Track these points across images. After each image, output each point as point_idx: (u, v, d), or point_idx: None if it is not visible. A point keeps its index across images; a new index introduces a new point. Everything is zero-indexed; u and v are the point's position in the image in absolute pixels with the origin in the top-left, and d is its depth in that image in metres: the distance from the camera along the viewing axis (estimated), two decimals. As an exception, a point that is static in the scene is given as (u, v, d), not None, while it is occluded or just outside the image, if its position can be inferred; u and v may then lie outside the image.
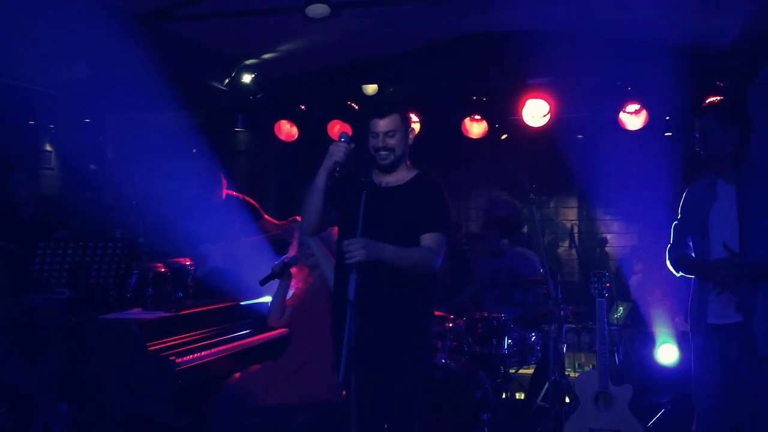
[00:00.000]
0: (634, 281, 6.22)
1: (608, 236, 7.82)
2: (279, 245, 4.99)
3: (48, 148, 6.86)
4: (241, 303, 4.75)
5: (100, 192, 6.97)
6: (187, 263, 4.78)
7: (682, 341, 5.17)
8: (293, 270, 4.26)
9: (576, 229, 6.77)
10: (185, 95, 6.00)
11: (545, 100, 6.34)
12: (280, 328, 4.55)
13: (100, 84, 6.02)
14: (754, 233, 2.98)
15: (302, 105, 7.13)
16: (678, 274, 3.41)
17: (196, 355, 3.98)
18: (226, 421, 3.81)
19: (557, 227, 7.97)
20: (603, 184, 6.78)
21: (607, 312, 4.34)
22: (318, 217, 3.19)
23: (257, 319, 4.69)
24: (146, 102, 5.88)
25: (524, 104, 6.38)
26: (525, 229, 7.78)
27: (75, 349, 3.84)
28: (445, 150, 7.25)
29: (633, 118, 6.26)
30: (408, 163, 3.22)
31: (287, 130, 7.14)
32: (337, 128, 6.94)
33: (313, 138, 7.04)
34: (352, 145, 3.08)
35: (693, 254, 3.36)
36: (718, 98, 5.54)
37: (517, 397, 5.79)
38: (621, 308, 5.98)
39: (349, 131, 6.76)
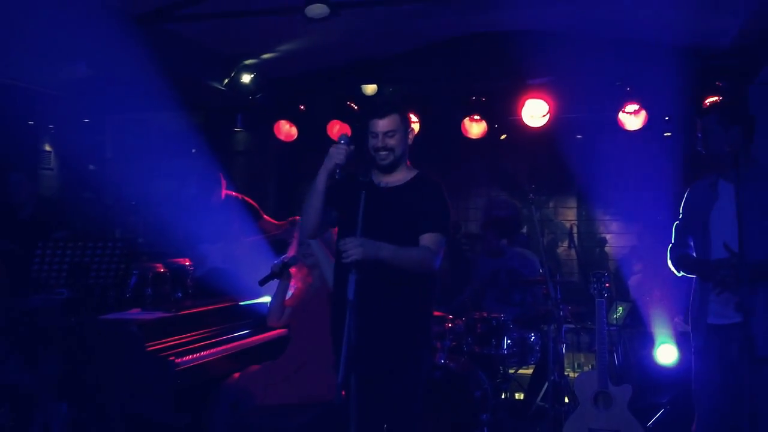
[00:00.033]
0: (633, 281, 6.22)
1: (607, 236, 7.82)
2: (278, 245, 4.99)
3: (47, 148, 6.86)
4: (241, 303, 4.75)
5: (99, 192, 6.97)
6: (187, 263, 4.78)
7: (681, 341, 5.17)
8: (292, 270, 4.26)
9: (575, 230, 6.78)
10: (184, 95, 6.00)
11: (544, 100, 6.34)
12: (280, 328, 4.55)
13: (100, 84, 6.02)
14: (755, 233, 2.99)
15: (301, 105, 7.13)
16: (679, 274, 3.41)
17: (195, 355, 3.98)
18: (225, 421, 3.81)
19: (556, 227, 7.97)
20: (602, 185, 6.77)
21: (606, 312, 4.34)
22: (318, 219, 3.19)
23: (256, 319, 4.69)
24: (146, 102, 5.88)
25: (523, 104, 6.38)
26: (524, 230, 7.77)
27: (74, 350, 3.84)
28: (445, 150, 7.24)
29: (632, 119, 6.26)
30: (408, 163, 3.22)
31: (286, 130, 7.14)
32: (336, 128, 6.94)
33: (313, 138, 7.04)
34: (352, 147, 3.08)
35: (694, 254, 3.36)
36: (719, 98, 5.55)
37: (517, 398, 5.79)
38: (620, 308, 5.98)
39: (349, 131, 6.77)
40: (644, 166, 6.61)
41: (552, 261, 7.30)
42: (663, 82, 5.69)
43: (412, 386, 3.09)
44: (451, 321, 4.94)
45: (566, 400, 4.95)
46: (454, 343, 4.98)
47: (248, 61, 6.56)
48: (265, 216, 5.67)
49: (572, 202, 7.99)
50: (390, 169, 3.15)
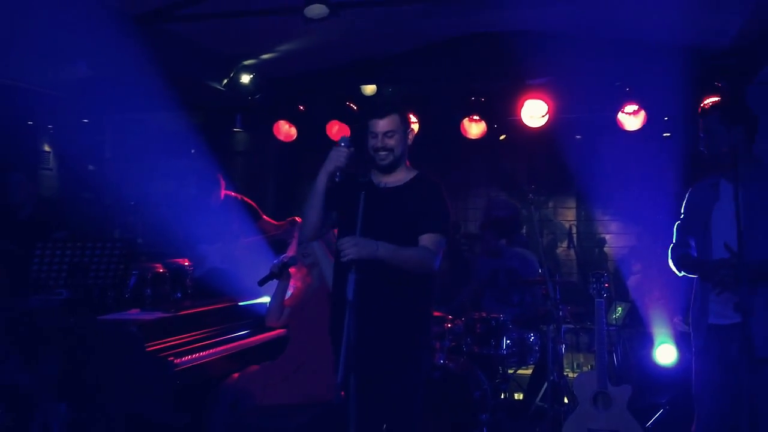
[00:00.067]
0: (632, 282, 6.22)
1: (607, 236, 7.82)
2: (277, 245, 4.99)
3: (46, 148, 6.85)
4: (240, 303, 4.75)
5: (98, 192, 6.96)
6: (186, 264, 4.78)
7: (681, 341, 5.17)
8: (292, 270, 4.26)
9: (574, 230, 6.80)
10: (184, 95, 6.00)
11: (544, 100, 6.34)
12: (279, 328, 4.55)
13: (99, 84, 6.02)
14: (757, 233, 2.99)
15: (301, 105, 7.13)
16: (680, 274, 3.41)
17: (194, 355, 3.97)
18: (224, 422, 3.81)
19: (556, 227, 7.97)
20: (602, 185, 6.77)
21: (605, 312, 4.34)
22: (319, 221, 3.19)
23: (256, 319, 4.69)
24: (145, 102, 5.88)
25: (523, 104, 6.38)
26: (524, 230, 7.78)
27: (74, 350, 3.83)
28: (444, 150, 7.25)
29: (631, 119, 6.26)
30: (407, 163, 3.22)
31: (286, 130, 7.14)
32: (335, 129, 6.95)
33: (312, 138, 7.05)
34: (352, 149, 3.08)
35: (695, 254, 3.36)
36: (720, 98, 5.54)
37: (516, 398, 5.79)
38: (619, 308, 5.99)
39: (348, 132, 6.78)
40: (643, 166, 6.62)
41: (551, 261, 7.30)
42: (662, 83, 5.69)
43: (411, 386, 3.09)
44: (451, 321, 4.95)
45: (565, 400, 4.96)
46: (453, 344, 4.98)
47: (247, 62, 6.56)
48: (264, 216, 5.68)
49: (571, 203, 8.00)
50: (389, 169, 3.14)
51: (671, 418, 4.94)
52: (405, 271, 2.97)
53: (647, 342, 5.50)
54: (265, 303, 4.50)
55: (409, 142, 3.19)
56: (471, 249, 7.66)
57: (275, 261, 4.26)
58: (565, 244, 7.86)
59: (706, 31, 5.76)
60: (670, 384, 5.09)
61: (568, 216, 7.96)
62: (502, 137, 7.34)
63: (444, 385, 4.55)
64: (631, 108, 6.22)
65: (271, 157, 7.88)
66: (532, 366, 5.49)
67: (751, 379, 2.88)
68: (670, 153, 6.42)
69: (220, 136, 7.59)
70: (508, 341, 5.09)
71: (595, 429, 4.16)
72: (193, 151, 6.57)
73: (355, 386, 2.78)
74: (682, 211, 3.46)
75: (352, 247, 2.78)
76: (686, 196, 3.47)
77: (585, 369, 6.61)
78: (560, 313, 4.93)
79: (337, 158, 3.04)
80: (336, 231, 3.41)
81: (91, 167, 7.14)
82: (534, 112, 6.39)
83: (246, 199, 5.67)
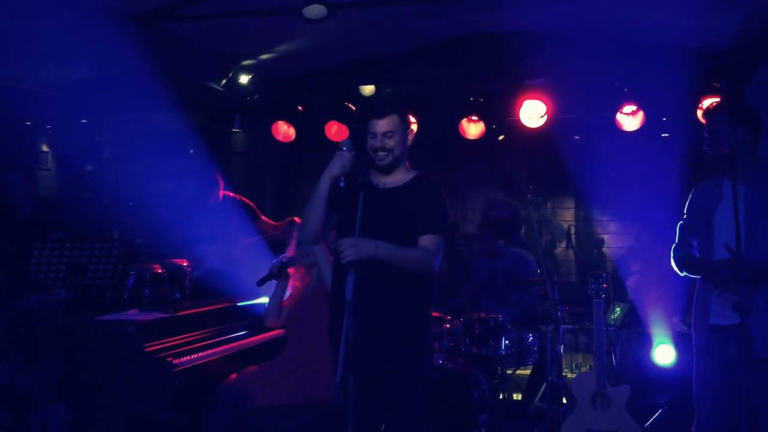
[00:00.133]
0: (631, 282, 6.22)
1: (605, 237, 7.83)
2: (276, 246, 4.98)
3: (45, 148, 6.85)
4: (239, 304, 4.74)
5: (97, 193, 6.96)
6: (184, 264, 4.77)
7: (679, 342, 5.18)
8: (290, 270, 4.26)
9: (573, 230, 6.80)
10: (182, 96, 6.00)
11: (542, 100, 6.35)
12: (278, 328, 4.54)
13: (98, 84, 6.02)
14: (759, 234, 2.99)
15: (299, 106, 7.13)
16: (682, 274, 3.41)
17: (193, 356, 3.97)
18: (223, 422, 3.81)
19: (554, 228, 7.98)
20: (600, 185, 6.78)
21: (604, 313, 4.35)
22: (320, 224, 3.17)
23: (254, 319, 4.68)
24: (143, 102, 5.87)
25: (521, 105, 6.39)
26: (522, 230, 7.78)
27: (72, 350, 3.83)
28: (443, 151, 7.25)
29: (630, 119, 6.26)
30: (407, 164, 3.21)
31: (284, 130, 7.14)
32: (334, 129, 6.95)
33: (311, 139, 7.05)
34: (354, 153, 3.08)
35: (698, 254, 3.36)
36: (725, 99, 5.54)
37: (515, 398, 5.79)
38: (618, 309, 5.99)
39: (347, 132, 6.78)
40: (642, 166, 6.62)
41: (550, 261, 7.31)
42: (661, 83, 5.69)
43: (410, 387, 3.08)
44: (449, 322, 4.94)
45: (564, 400, 4.96)
46: (452, 344, 4.98)
47: (246, 62, 6.56)
48: (262, 216, 5.68)
49: (570, 203, 8.01)
50: (389, 169, 3.14)
51: (670, 418, 4.94)
52: (405, 272, 2.97)
53: (646, 342, 5.50)
54: (264, 303, 4.49)
55: (409, 142, 3.18)
56: (469, 249, 7.66)
57: (274, 261, 4.25)
58: (563, 245, 7.86)
59: (705, 31, 5.76)
60: (669, 384, 5.10)
61: (567, 216, 7.97)
62: (501, 137, 7.34)
63: (443, 385, 4.55)
64: (629, 108, 6.22)
65: (270, 158, 7.88)
66: (531, 366, 5.50)
67: (750, 380, 2.89)
68: (668, 153, 6.42)
69: (218, 136, 7.59)
70: (507, 342, 5.09)
71: (593, 429, 4.16)
72: (191, 151, 6.57)
73: (354, 386, 2.79)
74: (686, 211, 3.46)
75: (351, 249, 2.77)
76: (689, 196, 3.47)
77: (583, 369, 6.62)
78: (559, 314, 4.94)
79: (342, 163, 3.04)
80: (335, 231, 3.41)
81: (89, 167, 7.14)
82: (533, 113, 6.39)
83: (245, 199, 5.67)
